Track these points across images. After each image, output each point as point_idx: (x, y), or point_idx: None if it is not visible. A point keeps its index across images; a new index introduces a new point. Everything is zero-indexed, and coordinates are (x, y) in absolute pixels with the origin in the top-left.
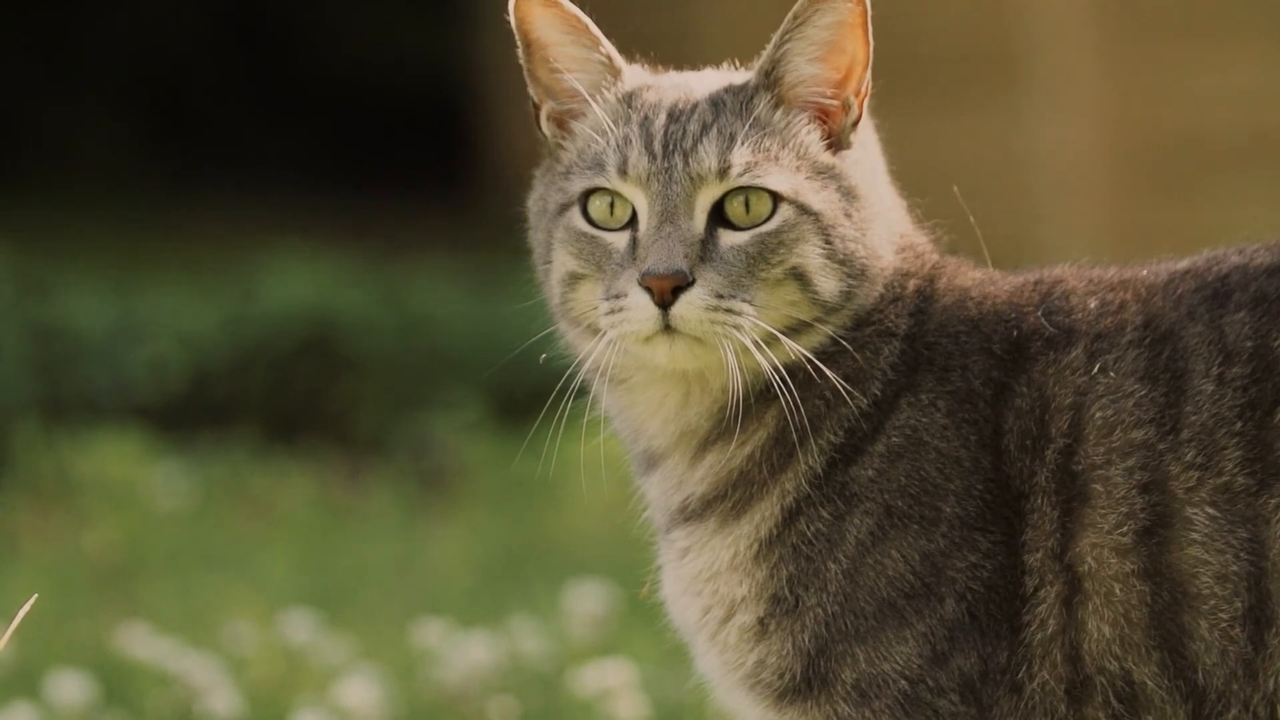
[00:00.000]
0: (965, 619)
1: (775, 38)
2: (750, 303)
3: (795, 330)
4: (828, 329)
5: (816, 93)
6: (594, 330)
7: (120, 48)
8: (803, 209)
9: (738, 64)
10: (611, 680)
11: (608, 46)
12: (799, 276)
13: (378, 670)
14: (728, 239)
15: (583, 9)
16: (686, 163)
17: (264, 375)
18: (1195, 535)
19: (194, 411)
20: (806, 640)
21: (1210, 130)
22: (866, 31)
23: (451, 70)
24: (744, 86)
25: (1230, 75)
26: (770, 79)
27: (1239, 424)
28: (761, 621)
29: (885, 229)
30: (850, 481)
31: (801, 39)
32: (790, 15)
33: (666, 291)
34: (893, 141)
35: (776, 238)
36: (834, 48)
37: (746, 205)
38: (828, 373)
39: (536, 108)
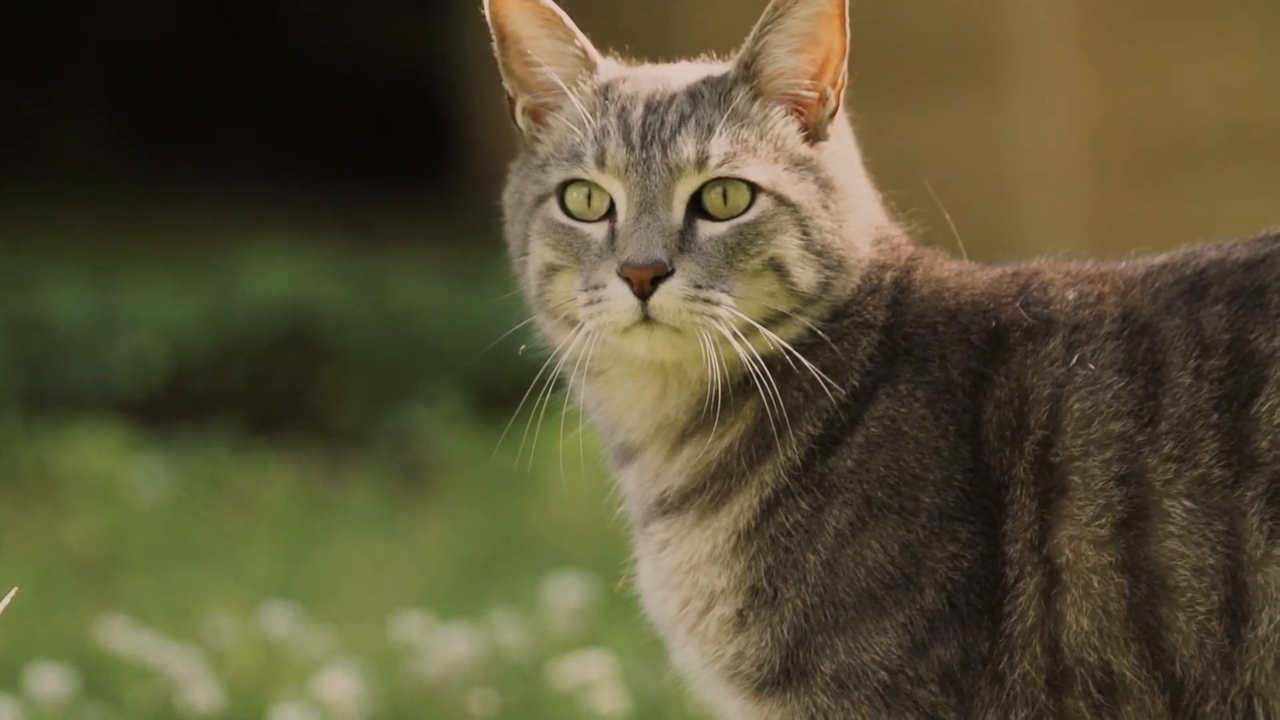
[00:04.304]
0: (945, 609)
1: (755, 30)
2: (729, 293)
3: (773, 321)
4: (805, 320)
5: (795, 84)
6: (571, 322)
7: (100, 42)
8: (781, 200)
9: (715, 56)
10: (592, 673)
11: (583, 40)
12: (777, 267)
13: (358, 663)
14: (706, 230)
15: (558, 3)
16: (665, 153)
17: (244, 368)
18: (1173, 528)
19: (174, 405)
20: (785, 632)
21: (1191, 124)
22: (844, 23)
23: (431, 63)
24: (722, 78)
25: (1211, 68)
26: (750, 71)
27: (1216, 416)
28: (740, 613)
29: (862, 221)
30: (829, 473)
31: (781, 31)
32: (770, 7)
33: (646, 282)
34: (872, 134)
35: (755, 229)
36: (812, 39)
37: (725, 196)
38: (806, 364)
39: (512, 101)
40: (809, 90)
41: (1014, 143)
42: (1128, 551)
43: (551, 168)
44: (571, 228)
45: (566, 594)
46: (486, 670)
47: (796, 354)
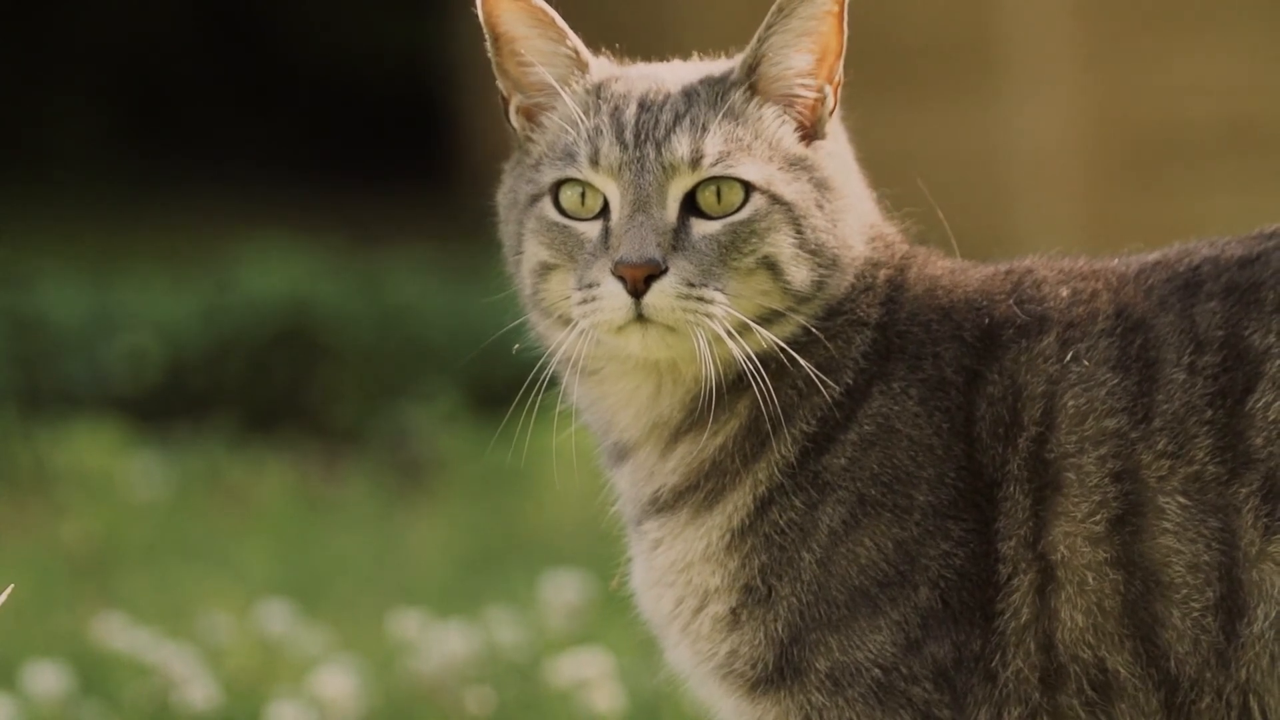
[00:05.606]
0: (939, 606)
1: (760, 31)
2: (722, 291)
3: (767, 320)
4: (800, 318)
5: (794, 84)
6: (565, 321)
7: (97, 39)
8: (775, 199)
9: (708, 55)
10: (588, 670)
11: (574, 39)
12: (771, 266)
13: (355, 661)
14: (700, 228)
15: (550, 3)
16: (659, 152)
17: (241, 366)
18: (1167, 524)
19: (171, 402)
20: (779, 629)
21: (1186, 121)
22: (843, 21)
23: (428, 61)
24: (721, 78)
25: (1205, 66)
26: (754, 73)
27: (1209, 412)
28: (734, 611)
29: (856, 219)
30: (823, 470)
31: (787, 30)
32: (775, 8)
33: (640, 280)
34: (870, 131)
35: (748, 227)
36: (813, 37)
37: (718, 195)
38: (801, 361)
39: (505, 101)
40: (808, 89)
41: (1010, 140)
42: (1122, 548)
43: (545, 167)
44: (565, 226)
45: (562, 592)
46: (483, 668)
47: (791, 352)
